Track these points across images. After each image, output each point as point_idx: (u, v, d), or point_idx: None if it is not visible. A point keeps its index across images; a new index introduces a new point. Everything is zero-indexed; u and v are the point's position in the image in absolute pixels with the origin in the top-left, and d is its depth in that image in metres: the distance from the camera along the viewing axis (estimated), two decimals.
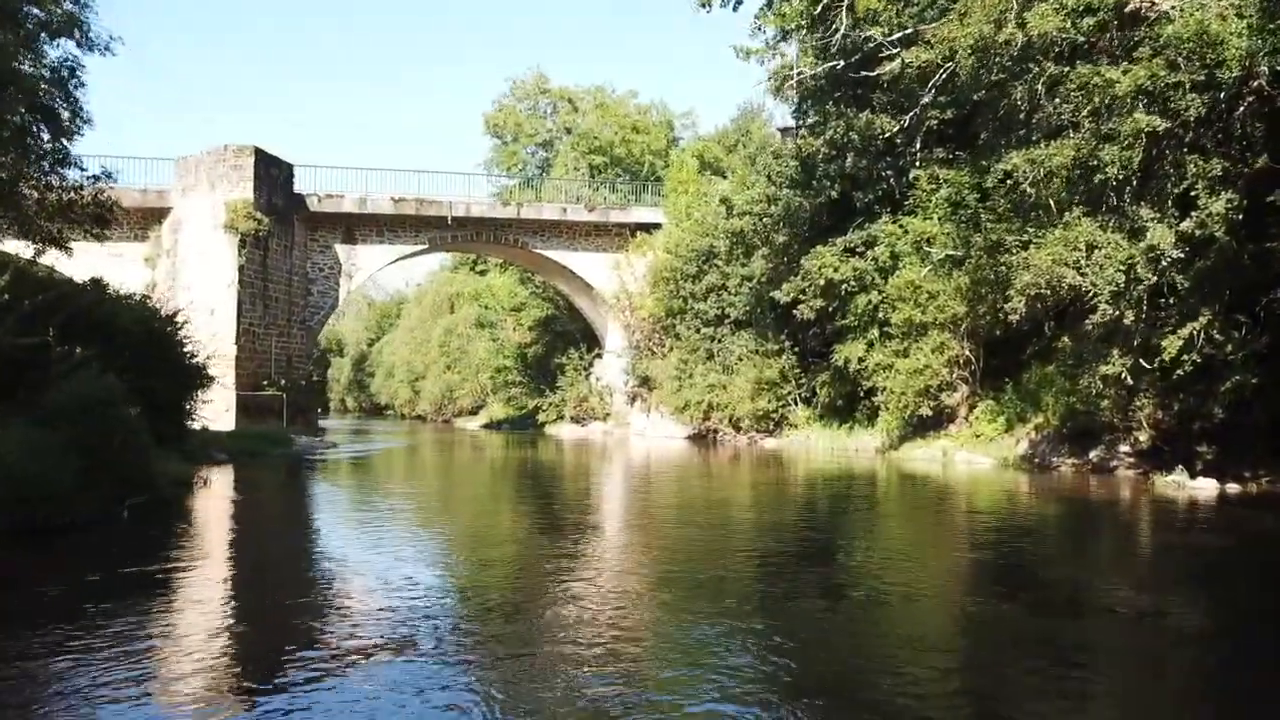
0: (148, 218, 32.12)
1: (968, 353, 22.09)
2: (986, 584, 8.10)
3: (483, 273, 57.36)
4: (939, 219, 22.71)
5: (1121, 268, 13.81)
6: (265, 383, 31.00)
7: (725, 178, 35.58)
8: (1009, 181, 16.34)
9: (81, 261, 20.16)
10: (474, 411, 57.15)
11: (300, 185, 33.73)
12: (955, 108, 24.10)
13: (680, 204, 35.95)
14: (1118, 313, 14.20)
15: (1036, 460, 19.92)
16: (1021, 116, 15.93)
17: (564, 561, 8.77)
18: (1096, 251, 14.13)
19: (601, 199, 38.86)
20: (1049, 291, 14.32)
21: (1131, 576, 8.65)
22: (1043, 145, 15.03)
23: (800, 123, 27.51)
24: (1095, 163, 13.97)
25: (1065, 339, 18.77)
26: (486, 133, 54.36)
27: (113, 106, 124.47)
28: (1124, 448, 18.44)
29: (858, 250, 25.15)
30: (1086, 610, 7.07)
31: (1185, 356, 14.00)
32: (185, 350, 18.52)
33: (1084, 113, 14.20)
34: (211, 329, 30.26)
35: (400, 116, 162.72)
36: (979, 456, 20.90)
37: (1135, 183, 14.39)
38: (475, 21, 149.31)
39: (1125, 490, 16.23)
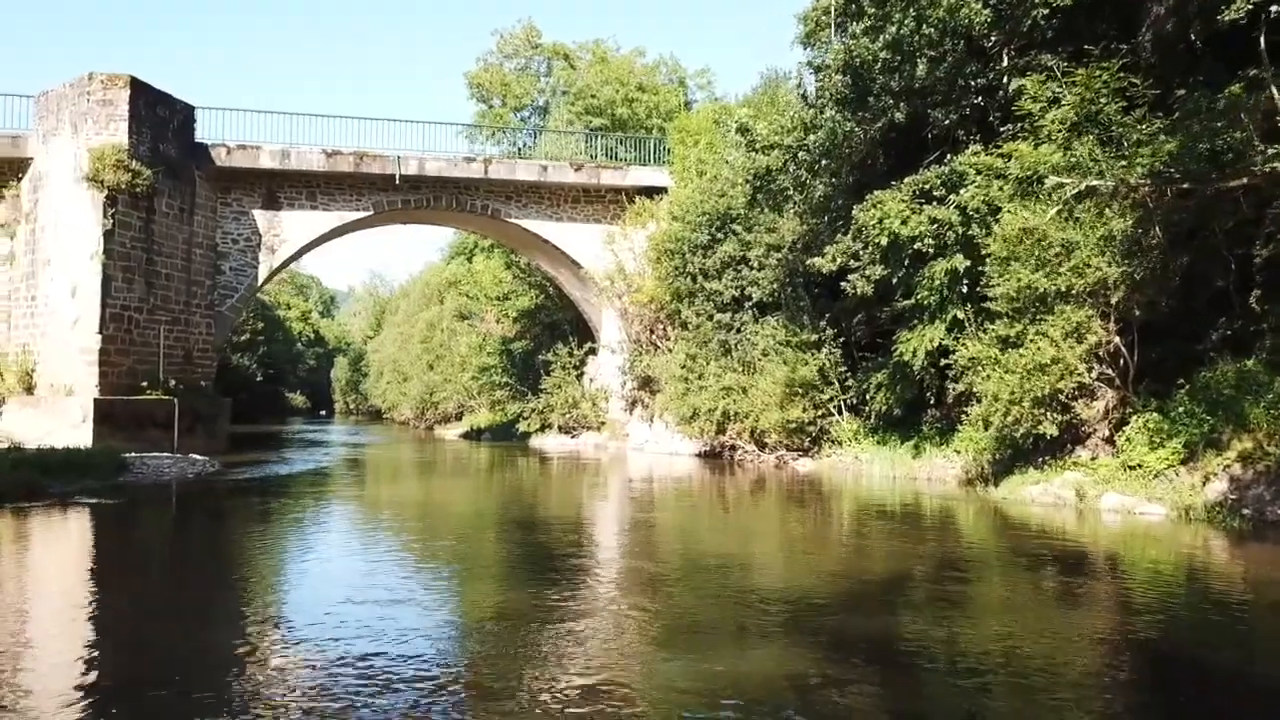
0: (3, 172, 25.06)
1: (1117, 339, 14.43)
2: None
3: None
4: (1060, 144, 15.05)
5: None
6: (145, 384, 23.79)
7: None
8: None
9: None
10: (459, 417, 49.75)
11: (206, 133, 26.58)
12: None
13: (689, 158, 28.42)
14: None
15: (1245, 510, 12.33)
16: None
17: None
18: None
19: (590, 156, 31.26)
20: None
21: None
22: None
23: (850, 28, 19.81)
24: None
25: None
26: (471, 96, 47.08)
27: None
28: None
29: (934, 195, 17.55)
30: None
31: None
32: None
33: None
34: (74, 313, 23.19)
35: (371, 74, 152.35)
36: (1141, 502, 13.29)
37: None
38: None
39: None
